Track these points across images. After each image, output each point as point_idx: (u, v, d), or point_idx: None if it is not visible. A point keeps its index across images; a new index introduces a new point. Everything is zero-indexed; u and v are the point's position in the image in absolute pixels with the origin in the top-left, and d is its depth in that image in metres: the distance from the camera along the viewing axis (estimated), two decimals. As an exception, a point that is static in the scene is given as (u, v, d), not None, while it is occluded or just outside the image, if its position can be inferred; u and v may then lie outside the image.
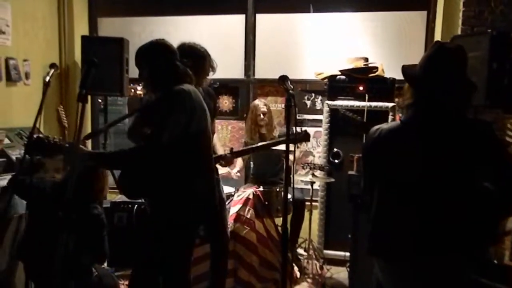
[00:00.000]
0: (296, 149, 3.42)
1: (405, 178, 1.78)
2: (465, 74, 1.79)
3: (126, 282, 3.33)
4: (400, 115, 3.74)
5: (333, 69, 4.04)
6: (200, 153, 2.32)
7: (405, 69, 1.88)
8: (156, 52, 2.31)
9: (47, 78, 2.64)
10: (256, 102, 3.97)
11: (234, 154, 3.19)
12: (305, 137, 3.26)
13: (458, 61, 1.77)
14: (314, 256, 3.70)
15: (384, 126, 1.90)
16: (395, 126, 1.87)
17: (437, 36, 4.05)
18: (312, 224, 3.70)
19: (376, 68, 3.92)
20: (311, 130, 4.54)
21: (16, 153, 3.33)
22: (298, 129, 3.23)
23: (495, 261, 2.93)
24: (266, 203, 3.51)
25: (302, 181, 3.96)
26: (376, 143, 1.88)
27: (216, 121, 3.73)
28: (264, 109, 3.86)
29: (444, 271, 1.71)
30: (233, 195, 3.61)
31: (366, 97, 3.84)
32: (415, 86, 1.82)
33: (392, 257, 1.82)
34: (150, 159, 2.19)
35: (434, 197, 1.72)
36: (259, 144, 3.43)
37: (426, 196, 1.73)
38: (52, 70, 2.73)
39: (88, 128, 4.67)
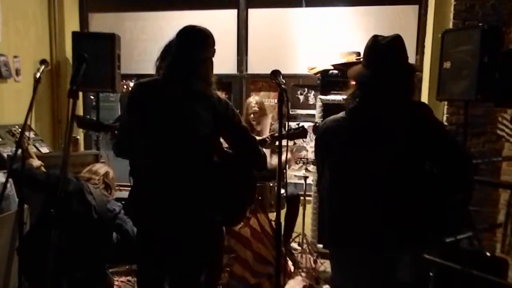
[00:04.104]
0: (289, 143, 3.38)
1: (349, 167, 1.80)
2: (401, 61, 1.85)
3: (121, 279, 3.33)
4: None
5: (326, 64, 4.04)
6: (137, 152, 2.03)
7: (350, 69, 1.98)
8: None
9: (38, 75, 2.60)
10: (250, 99, 3.90)
11: (274, 140, 2.97)
12: (303, 133, 3.20)
13: (391, 51, 1.84)
14: (308, 250, 3.73)
15: (330, 118, 1.93)
16: (338, 117, 1.90)
17: (429, 30, 4.07)
18: (306, 219, 3.73)
19: (369, 62, 3.92)
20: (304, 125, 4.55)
21: (7, 151, 3.32)
22: (296, 124, 3.20)
23: (488, 253, 2.95)
24: (260, 198, 3.51)
25: (295, 176, 3.97)
26: (322, 134, 1.93)
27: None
28: (255, 108, 3.75)
29: (394, 261, 1.73)
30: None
31: (359, 92, 3.85)
32: (357, 82, 1.87)
33: (346, 246, 1.83)
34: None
35: (376, 184, 1.73)
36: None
37: (368, 183, 1.75)
38: (43, 66, 2.69)
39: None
